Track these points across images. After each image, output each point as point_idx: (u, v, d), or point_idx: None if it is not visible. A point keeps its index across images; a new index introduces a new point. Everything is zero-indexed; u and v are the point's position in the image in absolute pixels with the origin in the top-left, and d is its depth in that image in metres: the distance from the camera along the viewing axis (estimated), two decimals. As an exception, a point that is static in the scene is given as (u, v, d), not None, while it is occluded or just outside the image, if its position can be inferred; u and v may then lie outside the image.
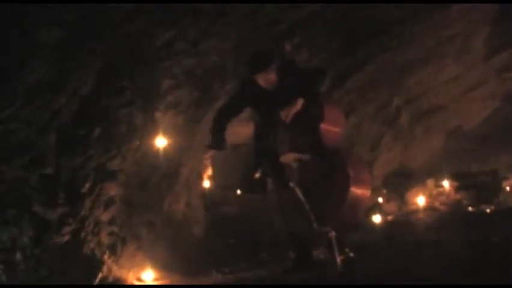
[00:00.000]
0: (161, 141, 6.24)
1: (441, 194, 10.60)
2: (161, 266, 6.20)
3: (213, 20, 5.74)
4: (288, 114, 5.10)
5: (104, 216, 5.61)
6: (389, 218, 9.44)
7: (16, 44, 4.23)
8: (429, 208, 9.80)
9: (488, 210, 8.99)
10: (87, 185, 5.32)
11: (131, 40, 5.18)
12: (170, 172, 6.82)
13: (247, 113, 5.66)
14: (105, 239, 5.63)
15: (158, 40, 5.53)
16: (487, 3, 8.17)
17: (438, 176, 10.95)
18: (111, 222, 5.72)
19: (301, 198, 5.10)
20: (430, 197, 10.46)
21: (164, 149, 6.29)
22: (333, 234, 5.09)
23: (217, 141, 5.33)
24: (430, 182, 10.92)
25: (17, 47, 4.25)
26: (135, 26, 5.07)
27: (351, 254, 5.26)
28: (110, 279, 5.59)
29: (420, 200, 10.00)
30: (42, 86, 4.58)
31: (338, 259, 5.04)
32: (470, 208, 9.34)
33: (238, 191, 9.55)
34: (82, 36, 4.62)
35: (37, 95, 4.60)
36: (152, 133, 6.20)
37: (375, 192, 9.83)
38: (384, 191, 10.83)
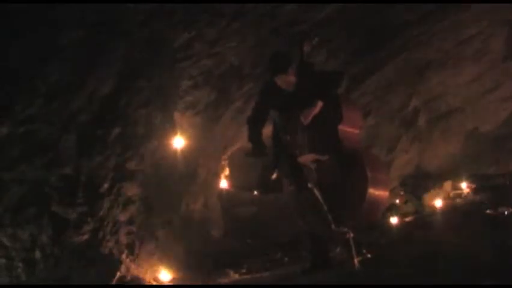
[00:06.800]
0: (179, 142, 6.27)
1: (458, 196, 10.53)
2: (179, 265, 6.22)
3: (230, 20, 5.76)
4: (306, 115, 5.11)
5: (123, 216, 5.65)
6: (406, 219, 9.39)
7: (37, 45, 4.27)
8: (446, 210, 9.72)
9: (506, 213, 8.90)
10: (106, 185, 5.37)
11: (150, 41, 5.21)
12: (188, 172, 6.84)
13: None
14: (123, 239, 5.67)
15: (177, 41, 5.56)
16: (505, 3, 8.08)
17: (455, 178, 10.87)
18: (129, 222, 5.75)
19: (319, 198, 5.11)
20: (448, 199, 10.38)
21: (182, 150, 6.32)
22: (350, 235, 5.09)
23: (258, 148, 5.40)
24: (447, 184, 10.83)
25: (38, 47, 4.29)
26: (154, 27, 5.10)
27: (369, 255, 5.27)
28: (128, 278, 5.63)
29: (438, 202, 9.93)
30: (62, 87, 4.63)
31: (355, 260, 5.04)
32: (488, 210, 9.25)
33: (255, 192, 9.55)
34: (102, 37, 4.66)
35: (57, 96, 4.65)
36: (170, 133, 6.23)
37: (393, 193, 9.77)
38: (402, 193, 10.77)
